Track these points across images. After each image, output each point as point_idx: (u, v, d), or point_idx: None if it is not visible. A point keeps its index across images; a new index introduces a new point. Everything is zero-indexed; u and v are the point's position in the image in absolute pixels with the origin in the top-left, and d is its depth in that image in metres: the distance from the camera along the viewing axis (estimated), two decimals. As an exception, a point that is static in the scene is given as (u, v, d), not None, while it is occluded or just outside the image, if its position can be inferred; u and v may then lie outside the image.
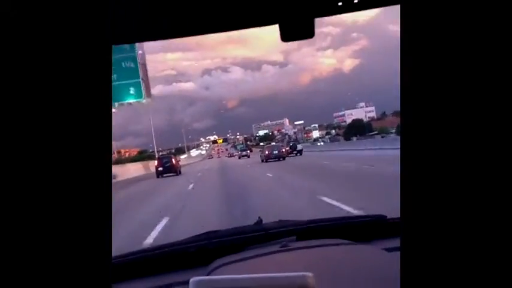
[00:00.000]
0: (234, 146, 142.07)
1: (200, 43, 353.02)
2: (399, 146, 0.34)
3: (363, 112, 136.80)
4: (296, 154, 37.02)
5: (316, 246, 1.07)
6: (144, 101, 18.30)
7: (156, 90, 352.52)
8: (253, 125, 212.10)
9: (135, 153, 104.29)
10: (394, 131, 70.44)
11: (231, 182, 14.74)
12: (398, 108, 0.36)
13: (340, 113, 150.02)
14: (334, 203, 6.79)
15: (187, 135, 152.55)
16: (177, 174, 24.00)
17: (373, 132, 63.85)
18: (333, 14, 0.69)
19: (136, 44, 15.84)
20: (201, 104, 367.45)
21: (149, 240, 5.61)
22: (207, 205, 8.87)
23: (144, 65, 18.34)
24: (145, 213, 8.81)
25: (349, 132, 79.29)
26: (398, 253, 0.35)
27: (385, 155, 17.46)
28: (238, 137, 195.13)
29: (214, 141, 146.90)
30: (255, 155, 48.18)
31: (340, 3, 0.67)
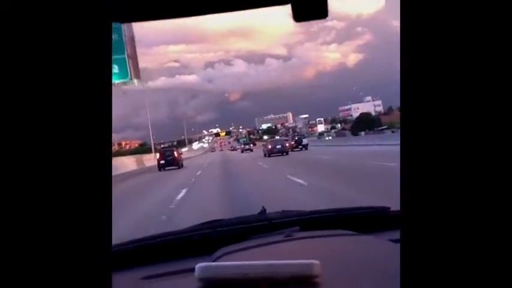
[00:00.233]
0: (237, 140, 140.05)
1: (203, 35, 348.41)
2: None
3: (371, 106, 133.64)
4: (301, 149, 35.55)
5: (320, 236, 1.07)
6: (133, 82, 15.60)
7: (159, 82, 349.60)
8: (256, 119, 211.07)
9: (136, 145, 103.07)
10: (403, 126, 67.04)
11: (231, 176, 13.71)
12: (403, 103, 0.34)
13: (346, 107, 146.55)
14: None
15: (190, 128, 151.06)
16: (179, 168, 23.78)
17: (383, 127, 61.21)
18: None
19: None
20: (204, 97, 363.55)
21: None
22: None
23: (132, 39, 15.31)
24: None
25: (356, 127, 76.48)
26: None
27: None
28: (241, 130, 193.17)
29: (217, 134, 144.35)
30: (258, 149, 46.48)
31: None
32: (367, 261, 0.86)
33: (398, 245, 0.33)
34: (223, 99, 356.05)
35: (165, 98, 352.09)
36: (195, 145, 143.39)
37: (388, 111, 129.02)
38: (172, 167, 23.71)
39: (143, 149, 65.50)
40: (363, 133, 63.12)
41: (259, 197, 7.69)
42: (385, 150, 17.46)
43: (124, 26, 14.74)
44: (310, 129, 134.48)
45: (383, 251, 0.92)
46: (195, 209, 7.10)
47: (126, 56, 15.00)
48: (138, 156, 32.72)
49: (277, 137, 56.87)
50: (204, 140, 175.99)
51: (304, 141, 38.16)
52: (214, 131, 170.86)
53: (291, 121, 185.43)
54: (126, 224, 5.92)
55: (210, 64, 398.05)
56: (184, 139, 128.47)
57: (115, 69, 14.80)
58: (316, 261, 0.68)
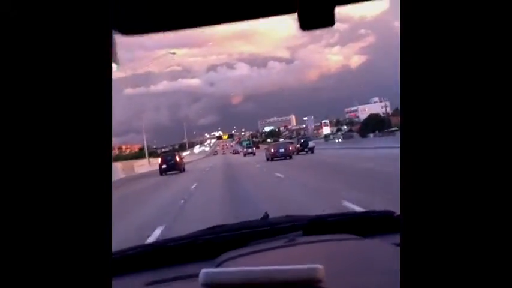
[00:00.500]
0: (240, 143, 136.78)
1: (206, 39, 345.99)
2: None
3: (379, 107, 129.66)
4: (307, 152, 33.13)
5: (323, 240, 1.07)
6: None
7: (161, 86, 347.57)
8: (258, 121, 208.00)
9: (137, 149, 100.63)
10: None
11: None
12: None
13: (353, 108, 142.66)
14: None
15: (191, 131, 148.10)
16: (181, 172, 23.56)
17: (393, 128, 57.75)
18: (355, 2, 0.65)
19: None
20: (206, 100, 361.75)
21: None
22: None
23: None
24: None
25: (365, 129, 72.82)
26: None
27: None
28: (243, 133, 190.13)
29: (219, 137, 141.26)
30: (262, 152, 43.34)
31: None
32: (371, 265, 0.85)
33: None
34: (225, 102, 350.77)
35: (167, 102, 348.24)
36: (197, 149, 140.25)
37: (395, 112, 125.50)
38: (174, 171, 23.38)
39: (142, 153, 63.13)
40: (371, 135, 59.67)
41: (260, 198, 7.30)
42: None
43: None
44: (316, 132, 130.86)
45: (387, 254, 0.90)
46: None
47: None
48: (126, 162, 29.51)
49: (281, 140, 53.62)
50: (206, 143, 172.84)
51: (311, 143, 35.41)
52: (217, 134, 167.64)
53: (294, 124, 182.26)
54: None
55: (212, 67, 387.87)
56: (186, 142, 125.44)
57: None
58: (319, 266, 0.68)
